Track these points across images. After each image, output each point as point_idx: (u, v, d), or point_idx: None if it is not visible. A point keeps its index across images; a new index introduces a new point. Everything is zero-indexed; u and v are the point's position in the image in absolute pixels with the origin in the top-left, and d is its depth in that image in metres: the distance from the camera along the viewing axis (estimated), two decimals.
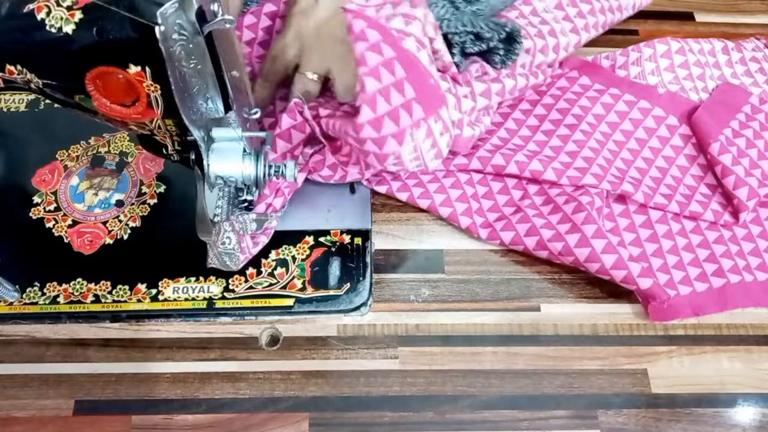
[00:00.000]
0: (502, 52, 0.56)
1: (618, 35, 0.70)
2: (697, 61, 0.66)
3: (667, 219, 0.58)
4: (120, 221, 0.56)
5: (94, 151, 0.60)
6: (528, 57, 0.59)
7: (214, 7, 0.38)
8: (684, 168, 0.61)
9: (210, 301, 0.53)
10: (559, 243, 0.53)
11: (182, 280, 0.54)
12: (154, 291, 0.53)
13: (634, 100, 0.64)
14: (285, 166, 0.49)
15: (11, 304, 0.53)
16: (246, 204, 0.52)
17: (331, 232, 0.56)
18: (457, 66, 0.56)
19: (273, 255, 0.55)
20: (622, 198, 0.58)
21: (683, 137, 0.63)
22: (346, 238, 0.56)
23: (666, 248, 0.56)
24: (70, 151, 0.60)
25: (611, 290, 0.55)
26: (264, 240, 0.54)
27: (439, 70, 0.54)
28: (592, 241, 0.53)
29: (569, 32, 0.62)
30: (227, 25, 0.39)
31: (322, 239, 0.56)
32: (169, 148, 0.46)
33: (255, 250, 0.53)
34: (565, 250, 0.53)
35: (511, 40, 0.56)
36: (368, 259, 0.55)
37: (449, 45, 0.55)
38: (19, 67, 0.40)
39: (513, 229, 0.55)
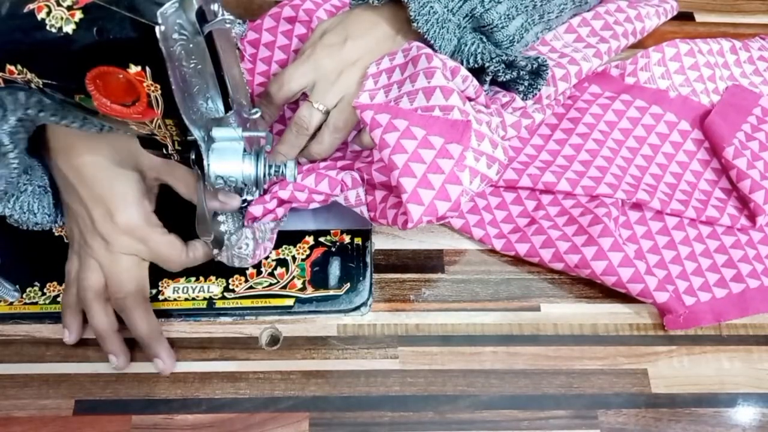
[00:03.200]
0: (526, 83, 0.56)
1: None
2: (707, 62, 0.66)
3: (684, 225, 0.58)
4: None
5: None
6: (551, 88, 0.58)
7: (214, 7, 0.38)
8: (698, 173, 0.61)
9: (210, 301, 0.53)
10: (575, 255, 0.53)
11: (182, 280, 0.54)
12: (154, 291, 0.53)
13: (645, 105, 0.63)
14: (285, 166, 0.49)
15: (11, 304, 0.53)
16: (246, 204, 0.52)
17: (331, 232, 0.56)
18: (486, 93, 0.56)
19: (273, 255, 0.55)
20: (638, 205, 0.58)
21: (696, 142, 0.62)
22: (346, 238, 0.56)
23: (684, 255, 0.56)
24: None
25: (611, 290, 0.55)
26: (269, 246, 0.54)
27: (470, 98, 0.54)
28: (609, 254, 0.52)
29: (592, 57, 0.61)
30: (227, 25, 0.39)
31: (322, 239, 0.56)
32: (169, 148, 0.46)
33: (262, 257, 0.54)
34: (581, 262, 0.53)
35: (537, 73, 0.56)
36: (368, 259, 0.55)
37: (480, 72, 0.56)
38: (19, 67, 0.40)
39: (528, 241, 0.55)
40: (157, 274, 0.54)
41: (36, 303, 0.53)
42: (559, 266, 0.54)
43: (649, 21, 0.67)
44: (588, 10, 0.66)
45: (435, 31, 0.53)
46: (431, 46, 0.54)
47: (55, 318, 0.52)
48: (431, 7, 0.53)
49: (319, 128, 0.54)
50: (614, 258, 0.52)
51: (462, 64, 0.54)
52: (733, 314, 0.54)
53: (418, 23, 0.53)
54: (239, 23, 0.63)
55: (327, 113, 0.54)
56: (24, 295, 0.53)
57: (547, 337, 0.54)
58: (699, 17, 0.74)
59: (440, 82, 0.50)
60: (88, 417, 0.49)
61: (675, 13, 0.70)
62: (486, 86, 0.56)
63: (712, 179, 0.61)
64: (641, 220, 0.58)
